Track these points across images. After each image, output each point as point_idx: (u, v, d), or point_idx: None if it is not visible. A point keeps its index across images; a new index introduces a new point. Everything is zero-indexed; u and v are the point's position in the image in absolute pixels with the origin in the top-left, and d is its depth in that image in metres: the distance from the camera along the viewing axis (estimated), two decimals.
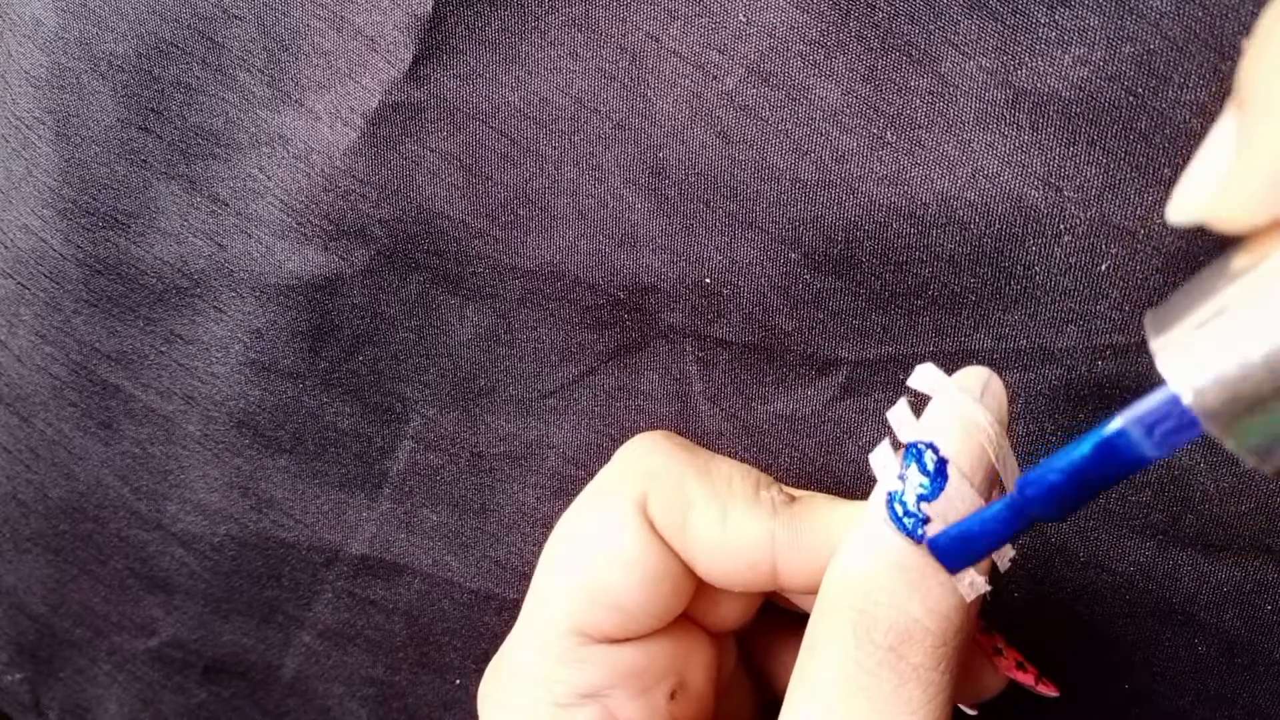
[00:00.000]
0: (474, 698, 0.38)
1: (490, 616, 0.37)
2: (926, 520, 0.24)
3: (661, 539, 0.28)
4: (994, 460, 0.24)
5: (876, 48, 0.30)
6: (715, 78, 0.31)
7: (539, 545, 0.36)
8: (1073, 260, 0.30)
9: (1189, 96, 0.29)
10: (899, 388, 0.33)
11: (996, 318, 0.31)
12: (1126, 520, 0.32)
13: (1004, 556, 0.25)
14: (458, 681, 0.38)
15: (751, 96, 0.31)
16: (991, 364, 0.32)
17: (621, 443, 0.34)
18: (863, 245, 0.31)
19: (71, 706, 0.40)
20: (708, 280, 0.32)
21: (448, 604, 0.37)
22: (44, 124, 0.34)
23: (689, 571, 0.29)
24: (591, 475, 0.35)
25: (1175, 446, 0.19)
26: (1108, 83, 0.29)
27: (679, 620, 0.29)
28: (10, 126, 0.35)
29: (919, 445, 0.25)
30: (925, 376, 0.26)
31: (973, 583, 0.24)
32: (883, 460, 0.25)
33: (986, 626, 0.29)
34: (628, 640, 0.28)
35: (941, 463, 0.24)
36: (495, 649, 0.37)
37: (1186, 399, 0.18)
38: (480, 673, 0.38)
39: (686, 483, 0.28)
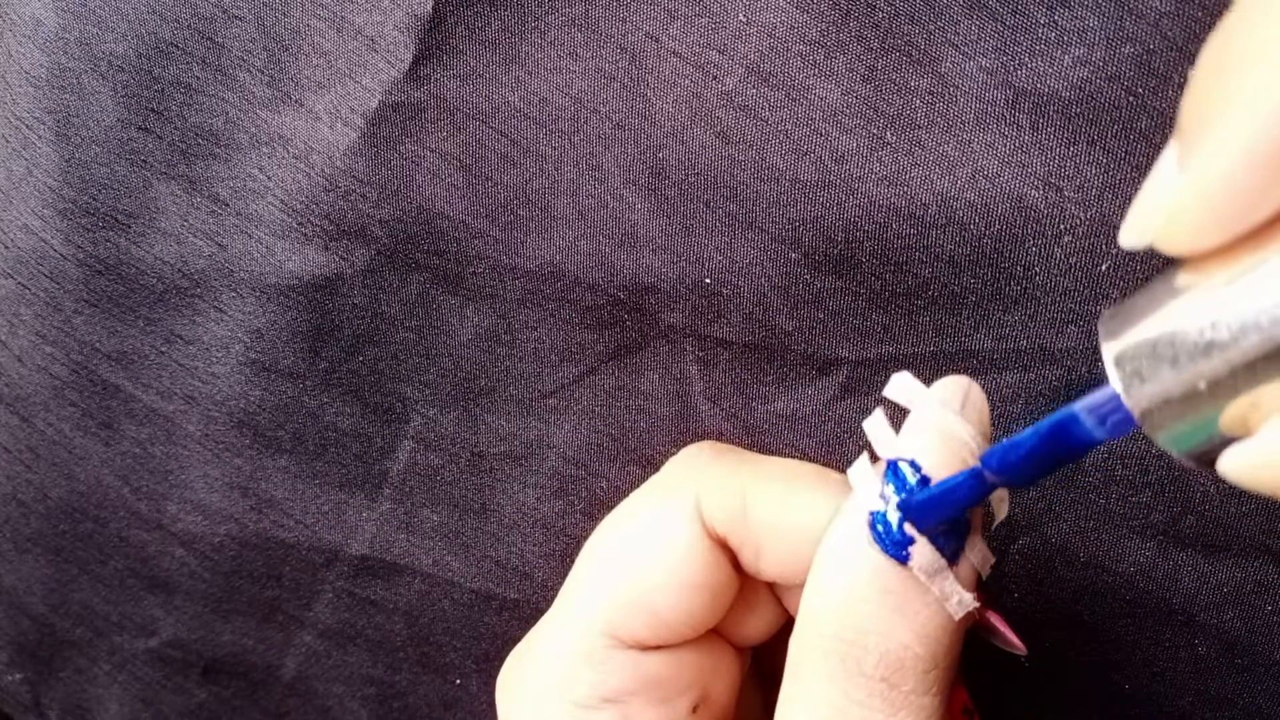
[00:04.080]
0: (474, 697, 0.38)
1: (491, 616, 0.37)
2: (911, 541, 0.23)
3: (715, 542, 0.28)
4: None
5: (876, 48, 0.30)
6: (715, 78, 0.31)
7: (539, 545, 0.36)
8: (1073, 260, 0.30)
9: None
10: None
11: (997, 318, 0.31)
12: (1127, 521, 0.32)
13: (986, 564, 0.24)
14: (458, 681, 0.38)
15: (751, 96, 0.31)
16: (992, 364, 0.32)
17: (622, 442, 0.34)
18: (863, 246, 0.31)
19: (71, 706, 0.40)
20: (708, 280, 0.32)
21: (448, 604, 0.37)
22: (44, 124, 0.34)
23: (732, 580, 0.28)
24: (592, 475, 0.35)
25: (1123, 433, 0.21)
26: (1108, 83, 0.29)
27: (708, 633, 0.29)
28: (10, 126, 0.35)
29: (899, 462, 0.24)
30: (902, 386, 0.25)
31: (960, 600, 0.23)
32: (862, 476, 0.24)
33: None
34: (658, 648, 0.28)
35: (924, 481, 0.24)
36: (496, 649, 0.37)
37: (1124, 399, 0.20)
38: (481, 672, 0.38)
39: (741, 474, 0.28)
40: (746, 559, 0.28)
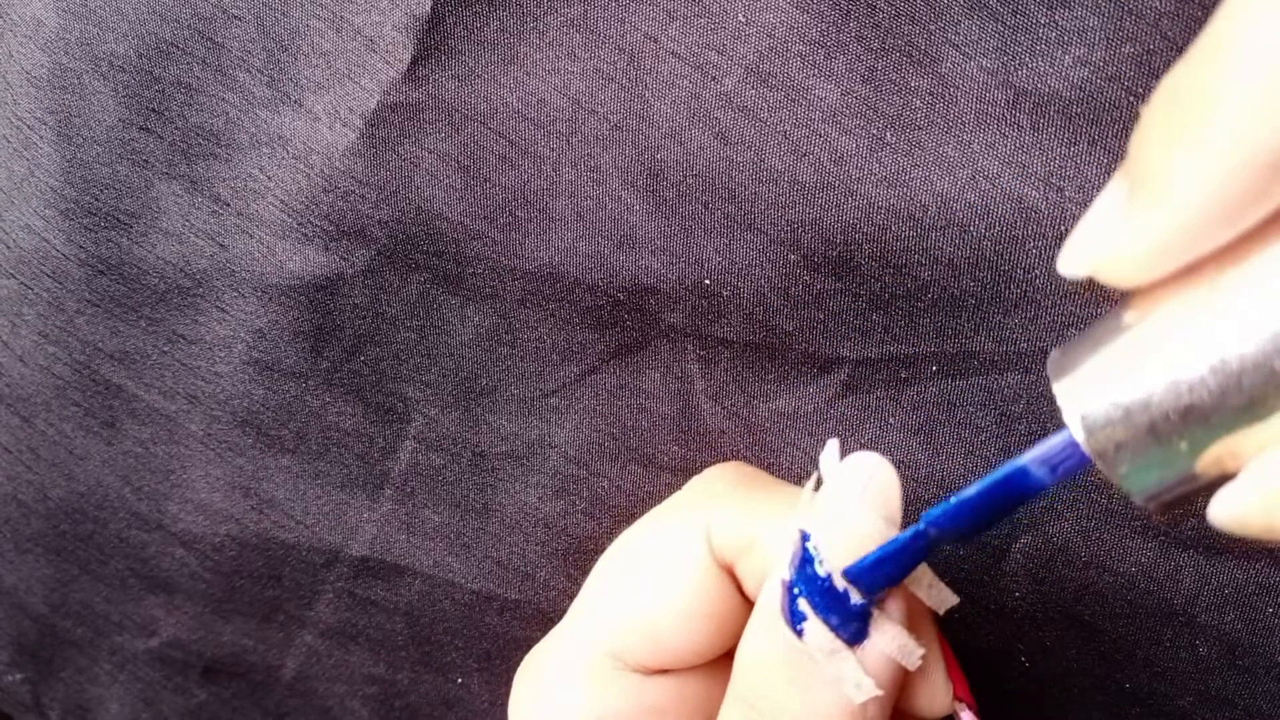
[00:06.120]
0: (476, 696, 0.38)
1: (492, 617, 0.37)
2: (806, 617, 0.23)
3: (724, 571, 0.27)
4: None
5: (876, 48, 0.30)
6: (714, 78, 0.31)
7: (541, 545, 0.36)
8: None
9: None
10: (901, 386, 0.33)
11: (997, 321, 0.31)
12: (1129, 521, 0.32)
13: (910, 655, 0.24)
14: (459, 680, 0.38)
15: (750, 97, 0.31)
16: (993, 365, 0.32)
17: (624, 442, 0.34)
18: (861, 248, 0.31)
19: (72, 706, 0.40)
20: (707, 281, 0.32)
21: (449, 604, 0.37)
22: (45, 124, 0.34)
23: (740, 609, 0.28)
24: (594, 474, 0.35)
25: (1069, 477, 0.21)
26: (1108, 83, 0.29)
27: (721, 659, 0.28)
28: (12, 127, 0.35)
29: (805, 534, 0.23)
30: (827, 457, 0.24)
31: (859, 684, 0.23)
32: (789, 537, 0.24)
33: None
34: (665, 672, 0.28)
35: (817, 574, 0.23)
36: (498, 648, 0.37)
37: (1081, 441, 0.19)
38: (483, 672, 0.38)
39: (755, 501, 0.27)
40: (750, 590, 0.27)
